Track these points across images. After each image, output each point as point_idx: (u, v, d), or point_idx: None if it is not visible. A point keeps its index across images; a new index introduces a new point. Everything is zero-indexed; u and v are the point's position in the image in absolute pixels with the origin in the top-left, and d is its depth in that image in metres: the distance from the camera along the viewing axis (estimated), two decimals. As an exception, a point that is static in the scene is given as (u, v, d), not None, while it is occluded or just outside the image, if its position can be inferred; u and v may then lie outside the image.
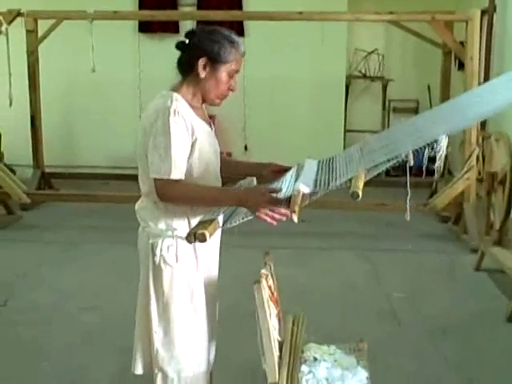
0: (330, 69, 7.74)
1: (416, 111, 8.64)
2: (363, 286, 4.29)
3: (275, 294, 2.33)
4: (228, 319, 2.56)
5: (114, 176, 7.12)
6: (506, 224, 4.30)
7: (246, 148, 7.86)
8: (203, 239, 1.77)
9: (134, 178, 6.68)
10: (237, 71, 2.13)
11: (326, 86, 7.79)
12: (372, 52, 8.39)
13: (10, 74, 5.68)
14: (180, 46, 2.11)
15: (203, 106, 2.21)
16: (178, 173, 1.99)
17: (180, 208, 2.10)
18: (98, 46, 6.22)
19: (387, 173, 8.32)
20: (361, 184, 1.84)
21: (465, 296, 4.10)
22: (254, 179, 2.44)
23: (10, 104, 5.74)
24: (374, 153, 2.02)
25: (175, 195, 2.00)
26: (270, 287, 2.26)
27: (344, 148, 8.08)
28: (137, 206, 2.22)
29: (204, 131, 2.12)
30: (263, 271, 2.23)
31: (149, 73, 7.72)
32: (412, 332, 3.55)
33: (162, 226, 2.09)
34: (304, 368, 2.25)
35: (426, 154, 1.84)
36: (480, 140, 5.33)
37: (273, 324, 2.14)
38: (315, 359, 2.34)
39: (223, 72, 2.08)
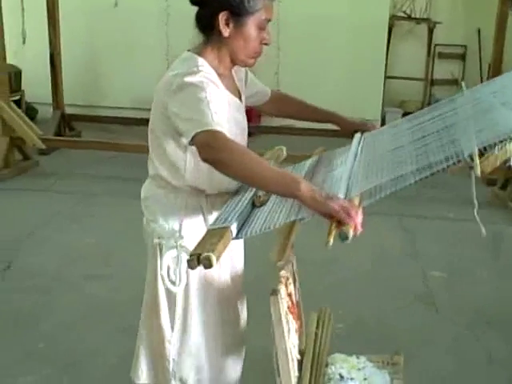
0: (372, 8, 7.14)
1: (463, 58, 8.01)
2: (398, 260, 3.90)
3: (296, 301, 1.97)
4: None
5: (138, 120, 6.72)
6: None
7: (278, 94, 7.41)
8: (209, 265, 1.38)
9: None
10: (268, 20, 1.69)
11: (367, 27, 7.21)
12: (419, -9, 7.72)
13: (22, 9, 5.25)
14: (197, 1, 1.68)
15: (233, 71, 1.81)
16: (220, 128, 1.51)
17: (193, 199, 1.75)
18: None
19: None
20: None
21: (510, 278, 3.69)
22: (284, 150, 2.07)
23: (24, 41, 5.35)
24: (427, 141, 1.58)
25: (224, 149, 1.47)
26: (289, 295, 1.90)
27: (384, 95, 7.57)
28: (143, 191, 1.86)
29: (233, 107, 1.73)
30: (283, 273, 1.86)
31: (177, 6, 7.20)
32: (451, 321, 3.17)
33: (168, 223, 1.74)
34: (327, 390, 1.91)
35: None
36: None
37: (292, 341, 1.79)
38: (341, 377, 1.99)
39: (251, 25, 1.66)
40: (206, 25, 1.69)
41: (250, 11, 1.63)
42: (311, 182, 1.64)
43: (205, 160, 1.50)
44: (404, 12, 7.72)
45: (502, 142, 1.38)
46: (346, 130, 2.05)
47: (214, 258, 1.38)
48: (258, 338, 2.04)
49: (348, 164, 1.68)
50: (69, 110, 6.66)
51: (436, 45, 7.87)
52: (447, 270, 3.77)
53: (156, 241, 1.75)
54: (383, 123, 7.63)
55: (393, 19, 7.64)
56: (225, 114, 1.63)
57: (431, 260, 3.90)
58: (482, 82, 7.86)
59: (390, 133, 1.89)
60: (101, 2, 6.86)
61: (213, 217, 1.73)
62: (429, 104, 7.92)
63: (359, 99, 7.23)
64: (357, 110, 7.31)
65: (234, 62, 1.73)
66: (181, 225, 1.73)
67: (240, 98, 1.82)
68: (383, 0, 7.23)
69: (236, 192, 1.75)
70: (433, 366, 2.76)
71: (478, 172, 1.36)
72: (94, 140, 5.63)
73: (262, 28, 1.68)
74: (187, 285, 1.77)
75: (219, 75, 1.69)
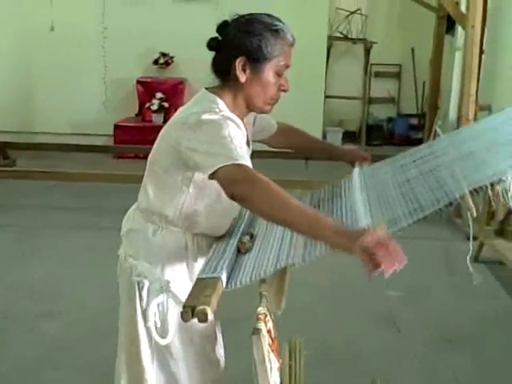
0: (310, 30, 7.21)
1: (399, 76, 8.23)
2: (356, 281, 3.88)
3: (275, 337, 1.90)
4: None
5: (77, 146, 6.51)
6: (510, 214, 3.95)
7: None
8: (204, 319, 1.31)
9: (97, 148, 5.90)
10: (287, 66, 1.64)
11: (307, 48, 7.22)
12: (354, 12, 7.87)
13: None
14: (212, 44, 1.63)
15: (245, 119, 1.74)
16: (246, 162, 1.45)
17: (181, 236, 1.68)
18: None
19: (368, 141, 8.02)
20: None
21: (466, 294, 3.73)
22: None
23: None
24: (413, 184, 1.59)
25: (251, 183, 1.40)
26: (269, 332, 1.84)
27: (324, 115, 7.65)
28: (128, 223, 1.76)
29: None
30: (260, 310, 1.79)
31: (114, 30, 7.12)
32: (414, 341, 3.17)
33: (151, 265, 1.65)
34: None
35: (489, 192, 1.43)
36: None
37: (274, 380, 1.72)
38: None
39: (269, 71, 1.61)
40: (223, 69, 1.64)
41: (268, 57, 1.59)
42: None
43: (231, 195, 1.43)
44: (340, 32, 7.86)
45: (492, 184, 1.39)
46: (345, 160, 2.07)
47: (209, 312, 1.32)
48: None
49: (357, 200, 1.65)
50: (2, 138, 6.39)
51: (372, 64, 8.04)
52: (404, 288, 3.78)
53: (135, 278, 1.66)
54: (324, 142, 7.71)
55: (330, 40, 7.76)
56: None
57: (387, 279, 3.90)
58: (416, 99, 8.10)
59: (373, 178, 1.87)
60: (36, 25, 6.66)
61: (196, 262, 1.69)
62: (367, 122, 8.07)
63: (301, 119, 7.12)
64: (299, 130, 7.37)
65: (249, 109, 1.68)
66: (163, 265, 1.66)
67: (248, 144, 1.75)
68: (321, 21, 7.34)
69: (220, 237, 1.70)
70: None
71: (474, 213, 1.36)
72: (34, 170, 5.38)
73: (279, 74, 1.64)
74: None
75: None
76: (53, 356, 2.90)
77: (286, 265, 1.46)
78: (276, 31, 1.60)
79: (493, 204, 4.11)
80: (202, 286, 1.40)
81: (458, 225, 4.85)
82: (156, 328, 1.58)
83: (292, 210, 1.37)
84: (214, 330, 1.85)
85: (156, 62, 7.28)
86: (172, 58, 7.23)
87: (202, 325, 1.78)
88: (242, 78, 1.60)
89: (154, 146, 1.69)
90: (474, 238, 4.37)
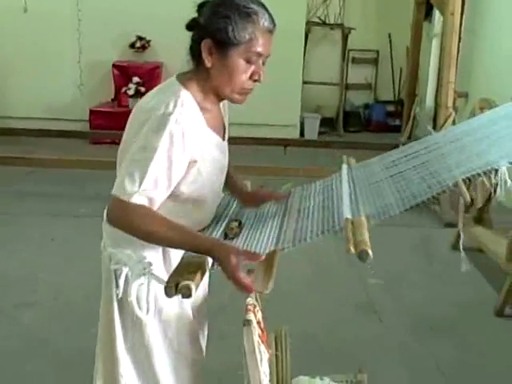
0: (289, 14, 7.12)
1: (376, 62, 8.22)
2: (336, 269, 3.90)
3: (264, 328, 1.89)
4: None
5: (52, 132, 6.38)
6: (490, 201, 3.98)
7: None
8: (188, 294, 1.29)
9: (73, 133, 5.76)
10: (260, 54, 1.52)
11: (285, 33, 7.16)
12: (332, -4, 7.84)
13: None
14: (189, 24, 1.55)
15: (220, 106, 1.66)
16: (143, 198, 1.43)
17: None
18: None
19: (345, 127, 8.01)
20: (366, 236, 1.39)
21: (446, 282, 3.77)
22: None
23: None
24: (405, 175, 1.58)
25: (127, 222, 1.45)
26: (259, 323, 1.82)
27: (301, 101, 7.62)
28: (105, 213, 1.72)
29: (211, 146, 1.59)
30: (249, 300, 1.77)
31: (88, 12, 6.98)
32: (395, 329, 3.19)
33: (131, 251, 1.57)
34: (297, 415, 1.85)
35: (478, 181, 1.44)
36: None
37: (264, 371, 1.71)
38: (308, 400, 1.94)
39: (236, 57, 1.50)
40: (194, 52, 1.55)
41: (235, 42, 1.48)
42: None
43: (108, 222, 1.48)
44: (318, 18, 7.81)
45: (485, 173, 1.38)
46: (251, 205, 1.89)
47: (193, 287, 1.30)
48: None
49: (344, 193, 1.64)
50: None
51: (350, 50, 8.02)
52: (383, 276, 3.80)
53: (113, 267, 1.59)
54: (302, 128, 7.69)
55: (308, 25, 7.71)
56: (204, 154, 1.54)
57: (367, 267, 3.92)
58: (393, 85, 8.10)
59: (363, 172, 1.85)
60: (9, 6, 6.49)
61: (173, 253, 1.62)
62: (344, 109, 8.06)
63: (278, 106, 7.23)
64: (276, 117, 7.33)
65: (218, 97, 1.59)
66: (142, 253, 1.57)
67: (224, 134, 1.69)
68: (300, 6, 7.28)
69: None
70: (388, 379, 2.73)
71: (468, 199, 1.36)
72: (9, 156, 5.25)
73: (250, 62, 1.52)
74: (142, 322, 1.64)
75: (203, 110, 1.55)
76: (31, 347, 2.86)
77: (275, 248, 1.47)
78: (247, 14, 1.48)
79: (472, 191, 4.15)
80: (187, 263, 1.39)
81: (435, 212, 4.89)
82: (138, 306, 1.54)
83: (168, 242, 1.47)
84: (195, 325, 1.81)
85: (132, 45, 7.16)
86: (149, 41, 7.13)
87: (181, 320, 1.74)
88: (208, 62, 1.51)
89: (124, 134, 1.59)
90: (453, 226, 4.40)
